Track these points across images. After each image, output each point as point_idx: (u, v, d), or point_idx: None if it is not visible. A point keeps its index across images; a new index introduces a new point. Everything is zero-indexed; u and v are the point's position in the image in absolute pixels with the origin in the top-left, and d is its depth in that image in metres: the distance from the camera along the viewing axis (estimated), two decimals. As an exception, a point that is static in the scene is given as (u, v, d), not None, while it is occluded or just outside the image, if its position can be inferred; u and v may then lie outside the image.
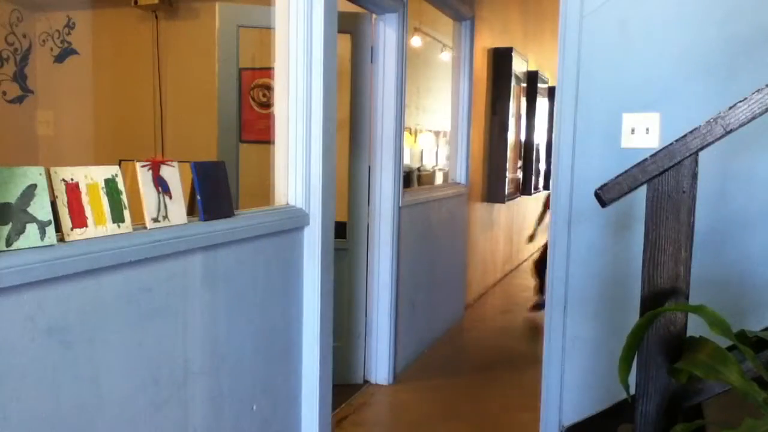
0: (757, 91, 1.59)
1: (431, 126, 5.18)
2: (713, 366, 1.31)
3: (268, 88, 3.42)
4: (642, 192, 1.74)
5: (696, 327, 1.54)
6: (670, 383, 1.54)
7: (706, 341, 1.44)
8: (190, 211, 2.01)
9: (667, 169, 1.69)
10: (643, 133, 2.36)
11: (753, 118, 1.61)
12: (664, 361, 1.56)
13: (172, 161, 1.93)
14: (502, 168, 6.07)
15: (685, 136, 1.67)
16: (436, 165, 5.25)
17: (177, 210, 1.91)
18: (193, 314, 1.99)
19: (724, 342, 1.44)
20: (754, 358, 1.31)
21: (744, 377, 1.24)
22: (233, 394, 2.20)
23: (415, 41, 4.59)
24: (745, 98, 1.60)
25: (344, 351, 3.68)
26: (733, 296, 2.25)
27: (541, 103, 7.61)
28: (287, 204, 2.50)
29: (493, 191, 6.02)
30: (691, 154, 1.68)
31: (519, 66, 6.39)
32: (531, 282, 6.79)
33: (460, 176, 5.08)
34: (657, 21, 2.34)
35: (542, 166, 8.09)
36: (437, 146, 5.32)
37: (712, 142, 1.66)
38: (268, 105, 3.42)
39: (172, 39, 4.59)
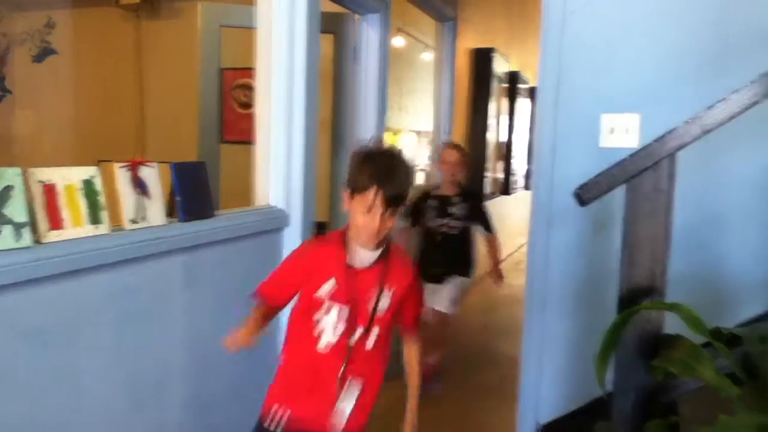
0: (735, 91, 1.62)
1: (413, 126, 5.19)
2: (688, 363, 1.32)
3: (250, 88, 3.41)
4: (621, 191, 1.75)
5: (676, 325, 1.55)
6: (647, 380, 1.55)
7: (681, 339, 1.46)
8: (171, 212, 2.00)
9: (645, 169, 1.71)
10: (624, 134, 2.38)
11: (731, 118, 1.63)
12: (641, 358, 1.57)
13: (151, 162, 1.92)
14: (482, 168, 6.08)
15: (663, 136, 1.69)
16: (418, 165, 5.25)
17: (156, 211, 1.90)
18: (173, 316, 1.98)
19: (701, 339, 1.45)
20: (728, 355, 1.33)
21: (718, 373, 1.26)
22: (213, 396, 2.19)
23: (398, 41, 4.60)
24: (723, 98, 1.63)
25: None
26: (709, 294, 2.27)
27: (523, 104, 7.65)
28: (268, 205, 2.50)
29: (482, 190, 6.03)
30: (669, 154, 1.70)
31: (500, 66, 6.42)
32: (512, 280, 6.80)
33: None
34: (639, 23, 2.36)
35: (524, 166, 8.14)
36: (419, 146, 5.33)
37: (690, 142, 1.68)
38: (249, 105, 3.41)
39: (154, 39, 4.57)
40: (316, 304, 1.72)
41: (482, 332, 4.97)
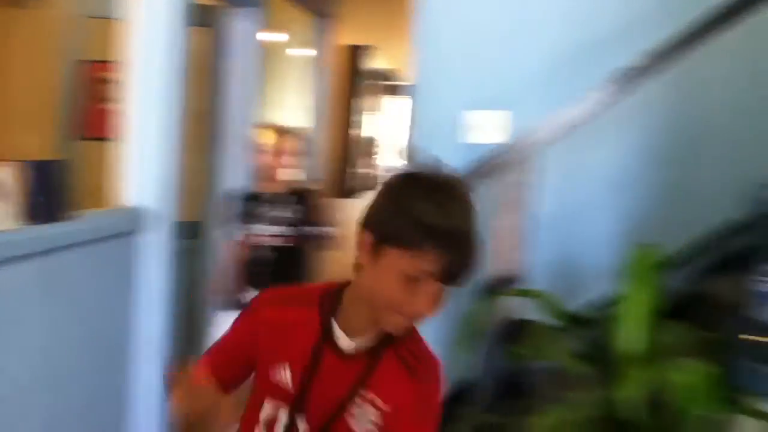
0: (593, 90, 1.72)
1: (289, 122, 5.15)
2: (540, 346, 1.39)
3: (112, 82, 3.26)
4: (487, 185, 1.81)
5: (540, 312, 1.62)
6: (506, 365, 1.62)
7: (537, 324, 1.54)
8: (25, 215, 1.87)
9: (510, 163, 1.79)
10: (494, 130, 2.45)
11: (592, 115, 1.73)
12: (501, 344, 1.64)
13: (3, 161, 1.79)
14: (352, 164, 6.16)
15: (528, 132, 1.77)
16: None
17: (7, 213, 1.77)
18: (23, 324, 1.84)
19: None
20: (581, 337, 1.41)
21: (570, 355, 1.33)
22: (66, 407, 2.06)
23: (274, 36, 4.54)
24: (584, 97, 1.72)
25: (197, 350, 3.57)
26: (569, 281, 2.38)
27: (397, 101, 7.78)
28: (127, 205, 2.38)
29: (347, 186, 6.08)
30: (532, 149, 1.78)
31: (375, 63, 6.50)
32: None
33: (314, 171, 5.07)
34: (507, 23, 2.43)
35: (401, 162, 8.27)
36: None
37: (551, 139, 1.77)
38: (111, 100, 3.26)
39: (13, 28, 4.25)
40: (265, 392, 1.07)
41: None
